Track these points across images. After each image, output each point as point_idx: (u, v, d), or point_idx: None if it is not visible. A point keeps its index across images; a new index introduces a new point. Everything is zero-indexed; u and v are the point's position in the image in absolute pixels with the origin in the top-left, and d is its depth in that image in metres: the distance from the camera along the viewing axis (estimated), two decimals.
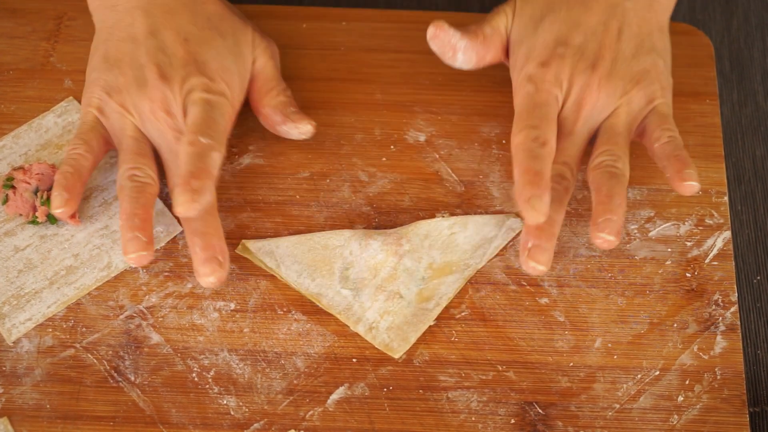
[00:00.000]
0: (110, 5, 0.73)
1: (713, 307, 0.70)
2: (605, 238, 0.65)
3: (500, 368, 0.68)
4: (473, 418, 0.66)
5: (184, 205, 0.64)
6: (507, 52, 0.74)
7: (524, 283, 0.70)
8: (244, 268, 0.71)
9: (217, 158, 0.67)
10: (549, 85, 0.68)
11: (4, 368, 0.67)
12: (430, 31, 0.71)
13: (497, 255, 0.71)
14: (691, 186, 0.66)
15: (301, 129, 0.73)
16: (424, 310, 0.69)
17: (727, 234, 0.72)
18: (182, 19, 0.71)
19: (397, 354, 0.67)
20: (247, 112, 0.77)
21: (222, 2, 0.75)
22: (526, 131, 0.67)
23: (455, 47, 0.72)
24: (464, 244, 0.71)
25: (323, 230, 0.72)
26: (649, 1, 0.71)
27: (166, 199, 0.73)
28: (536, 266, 0.66)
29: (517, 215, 0.72)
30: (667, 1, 0.73)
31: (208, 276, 0.67)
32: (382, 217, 0.73)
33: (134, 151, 0.70)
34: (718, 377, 0.67)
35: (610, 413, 0.66)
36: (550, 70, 0.69)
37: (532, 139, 0.66)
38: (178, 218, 0.72)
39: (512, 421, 0.66)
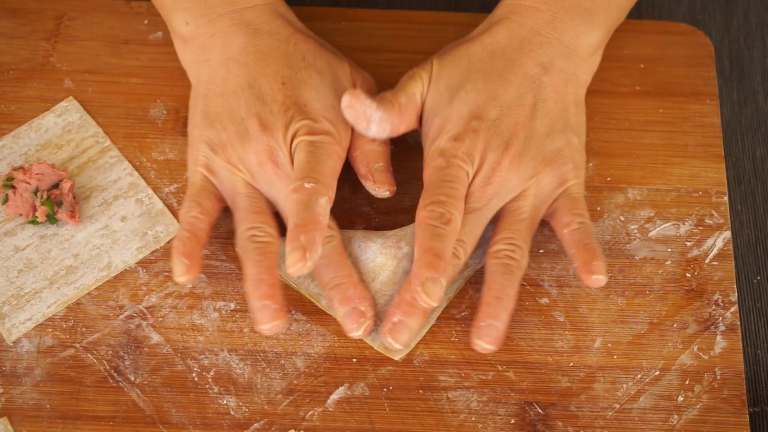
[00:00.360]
0: (203, 60, 0.71)
1: (713, 307, 0.70)
2: (482, 346, 0.65)
3: (500, 368, 0.68)
4: (473, 418, 0.66)
5: (295, 266, 0.62)
6: (420, 120, 0.71)
7: (524, 283, 0.70)
8: None
9: (325, 204, 0.64)
10: (460, 161, 0.66)
11: (4, 368, 0.67)
12: (345, 100, 0.68)
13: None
14: (597, 280, 0.65)
15: (377, 192, 0.71)
16: None
17: (727, 234, 0.72)
18: (276, 63, 0.69)
19: (398, 356, 0.67)
20: None
21: (314, 39, 0.73)
22: (431, 207, 0.65)
23: (370, 118, 0.68)
24: None
25: None
26: (565, 76, 0.70)
27: (166, 198, 0.73)
28: (393, 343, 0.66)
29: None
30: (585, 75, 0.72)
31: (355, 332, 0.66)
32: (382, 217, 0.73)
33: (250, 210, 0.67)
34: (718, 377, 0.67)
35: (610, 413, 0.66)
36: (462, 145, 0.66)
37: (437, 216, 0.64)
38: (177, 218, 0.72)
39: (512, 421, 0.66)
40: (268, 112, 0.67)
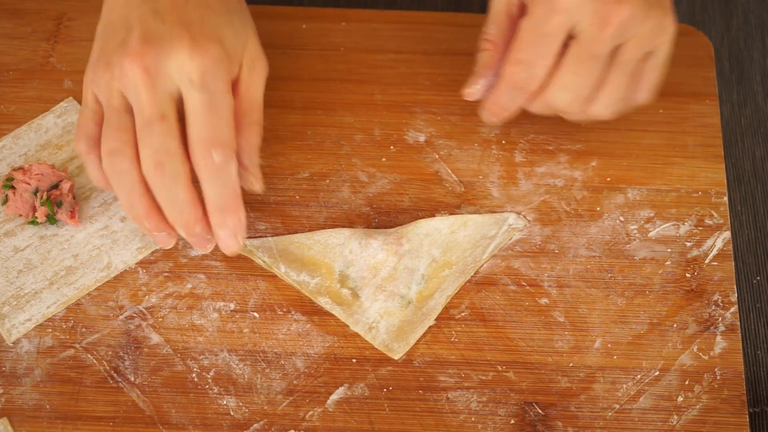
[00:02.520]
0: None
1: (713, 307, 0.70)
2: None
3: (500, 368, 0.68)
4: (473, 419, 0.66)
5: (230, 249, 0.63)
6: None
7: (524, 284, 0.70)
8: (243, 268, 0.71)
9: (234, 169, 0.63)
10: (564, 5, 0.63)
11: (3, 369, 0.67)
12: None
13: (497, 255, 0.71)
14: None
15: (251, 186, 0.68)
16: (423, 311, 0.69)
17: (727, 234, 0.72)
18: None
19: (397, 355, 0.67)
20: None
21: None
22: (515, 67, 0.65)
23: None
24: (464, 242, 0.71)
25: (322, 230, 0.72)
26: None
27: None
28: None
29: (518, 214, 0.72)
30: None
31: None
32: (382, 218, 0.73)
33: (115, 126, 0.64)
34: (718, 378, 0.67)
35: (609, 413, 0.66)
36: None
37: (521, 80, 0.66)
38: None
39: (512, 421, 0.66)
40: (159, 24, 0.64)
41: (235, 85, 0.66)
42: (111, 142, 0.64)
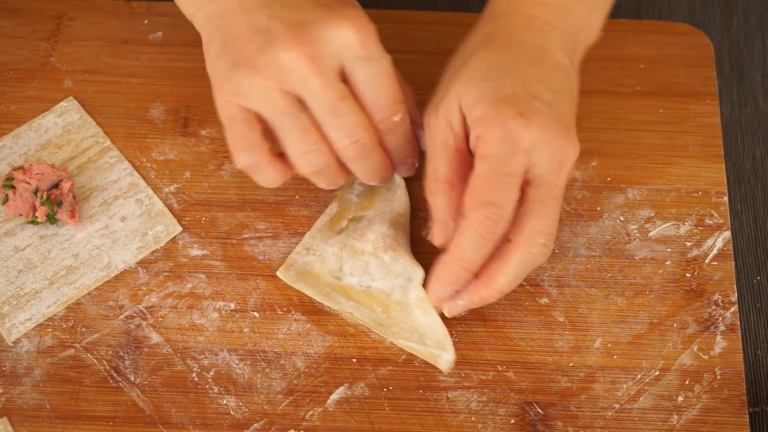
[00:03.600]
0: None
1: (713, 307, 0.70)
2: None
3: (500, 368, 0.68)
4: (473, 418, 0.66)
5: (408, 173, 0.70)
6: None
7: (524, 283, 0.70)
8: (243, 268, 0.71)
9: (407, 120, 0.66)
10: (525, 147, 0.61)
11: (3, 368, 0.67)
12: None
13: None
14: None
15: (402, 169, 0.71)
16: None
17: (727, 234, 0.72)
18: None
19: (445, 366, 0.66)
20: None
21: None
22: (487, 210, 0.60)
23: None
24: None
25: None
26: (577, 66, 0.67)
27: (165, 199, 0.73)
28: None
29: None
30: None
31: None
32: None
33: (296, 130, 0.63)
34: (718, 377, 0.67)
35: (609, 413, 0.66)
36: (530, 126, 0.61)
37: (491, 224, 0.60)
38: (177, 218, 0.72)
39: (512, 421, 0.66)
40: (297, 12, 0.61)
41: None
42: (302, 146, 0.63)
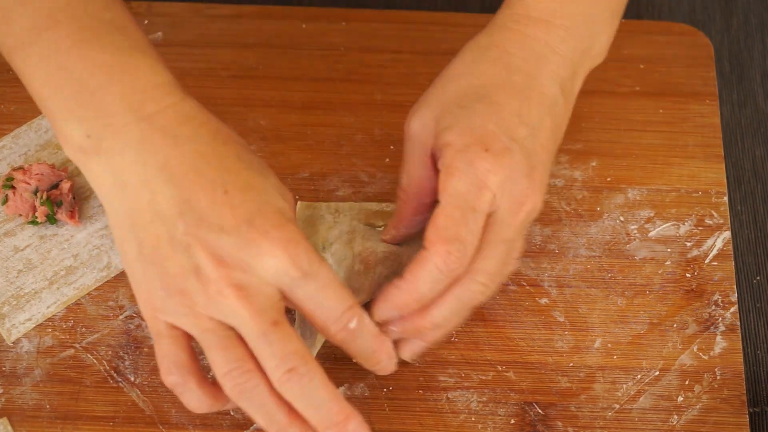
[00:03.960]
0: (118, 183, 0.57)
1: (713, 307, 0.70)
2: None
3: (500, 368, 0.68)
4: (473, 419, 0.66)
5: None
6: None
7: (524, 284, 0.70)
8: None
9: (368, 319, 0.60)
10: (492, 185, 0.59)
11: (3, 368, 0.67)
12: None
13: None
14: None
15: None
16: None
17: (727, 234, 0.72)
18: (211, 170, 0.57)
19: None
20: (245, 112, 0.77)
21: (236, 136, 0.61)
22: (450, 247, 0.58)
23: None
24: None
25: None
26: (572, 95, 0.65)
27: None
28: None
29: None
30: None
31: None
32: None
33: (220, 346, 0.57)
34: (718, 377, 0.67)
35: (609, 413, 0.66)
36: (496, 163, 0.59)
37: (454, 260, 0.58)
38: None
39: (512, 421, 0.66)
40: (220, 236, 0.55)
41: None
42: (226, 363, 0.56)
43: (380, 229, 0.69)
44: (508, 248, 0.61)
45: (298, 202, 0.72)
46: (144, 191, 0.56)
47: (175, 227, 0.56)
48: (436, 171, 0.61)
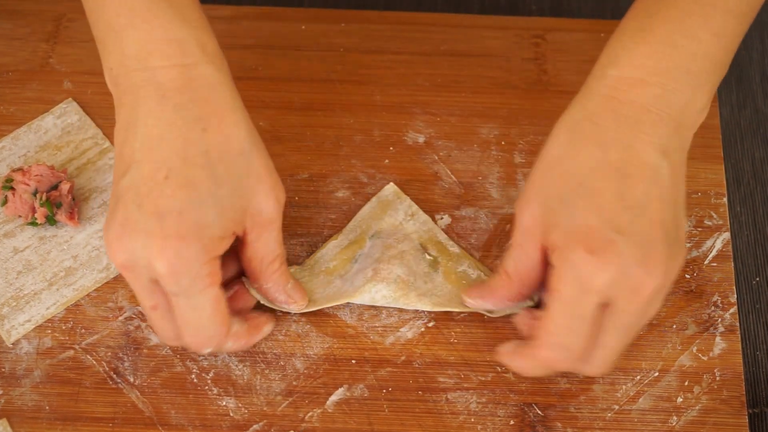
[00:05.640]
0: (119, 118, 0.62)
1: (712, 308, 0.70)
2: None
3: (499, 369, 0.68)
4: (472, 420, 0.66)
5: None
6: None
7: None
8: None
9: (229, 347, 0.65)
10: (598, 287, 0.58)
11: (3, 369, 0.67)
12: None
13: (497, 256, 0.71)
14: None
15: (295, 306, 0.67)
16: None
17: (726, 235, 0.72)
18: (167, 148, 0.59)
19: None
20: None
21: (238, 126, 0.62)
22: (557, 351, 0.60)
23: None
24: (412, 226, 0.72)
25: (322, 231, 0.72)
26: (681, 155, 0.61)
27: None
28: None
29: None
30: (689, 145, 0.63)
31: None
32: None
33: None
34: (717, 378, 0.67)
35: (609, 414, 0.66)
36: (600, 262, 0.57)
37: (557, 363, 0.61)
38: None
39: (511, 422, 0.66)
40: (136, 211, 0.59)
41: (242, 247, 0.64)
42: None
43: (429, 257, 0.70)
44: (627, 332, 0.60)
45: (390, 183, 0.73)
46: (119, 136, 0.61)
47: (119, 180, 0.60)
48: (545, 264, 0.61)
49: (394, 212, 0.72)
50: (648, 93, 0.60)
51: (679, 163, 0.61)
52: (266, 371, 0.67)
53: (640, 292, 0.58)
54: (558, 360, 0.60)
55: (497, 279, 0.64)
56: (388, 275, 0.68)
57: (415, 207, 0.72)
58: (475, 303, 0.67)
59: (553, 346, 0.60)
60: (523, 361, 0.63)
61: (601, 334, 0.60)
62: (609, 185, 0.59)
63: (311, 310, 0.68)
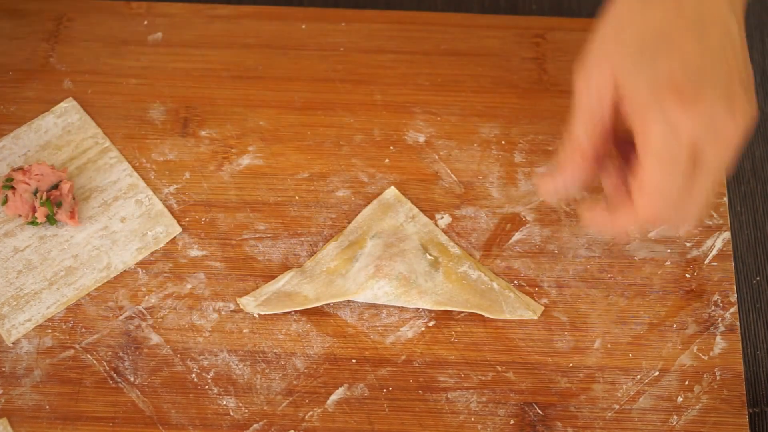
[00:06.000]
0: None
1: (713, 307, 0.70)
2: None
3: (500, 369, 0.68)
4: (473, 419, 0.66)
5: None
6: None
7: (524, 284, 0.70)
8: (243, 269, 0.71)
9: None
10: (688, 136, 0.58)
11: (3, 369, 0.67)
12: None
13: (497, 256, 0.71)
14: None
15: None
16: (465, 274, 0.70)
17: (727, 235, 0.72)
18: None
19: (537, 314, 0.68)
20: (245, 113, 0.77)
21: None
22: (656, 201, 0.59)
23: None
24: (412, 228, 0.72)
25: (322, 231, 0.72)
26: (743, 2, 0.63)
27: (165, 199, 0.73)
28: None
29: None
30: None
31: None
32: None
33: None
34: (718, 378, 0.67)
35: (609, 414, 0.66)
36: (692, 111, 0.58)
37: (664, 211, 0.59)
38: (177, 219, 0.72)
39: (512, 421, 0.66)
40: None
41: None
42: None
43: (430, 257, 0.70)
44: (714, 180, 0.60)
45: (391, 187, 0.73)
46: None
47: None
48: (613, 124, 0.61)
49: (395, 214, 0.72)
50: None
51: (743, 18, 0.63)
52: (266, 371, 0.67)
53: (727, 139, 0.58)
54: (657, 211, 0.59)
55: (569, 153, 0.62)
56: (390, 271, 0.68)
57: (415, 210, 0.73)
58: (546, 187, 0.63)
59: (652, 197, 0.59)
60: (617, 218, 0.61)
61: (693, 184, 0.60)
62: (689, 36, 0.60)
63: (314, 306, 0.68)
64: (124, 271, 0.71)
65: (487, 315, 0.68)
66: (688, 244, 0.72)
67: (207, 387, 0.67)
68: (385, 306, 0.69)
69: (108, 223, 0.72)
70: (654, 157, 0.59)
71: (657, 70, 0.59)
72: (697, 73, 0.59)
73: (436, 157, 0.75)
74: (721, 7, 0.62)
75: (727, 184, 0.75)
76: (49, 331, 0.69)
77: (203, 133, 0.76)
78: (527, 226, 0.72)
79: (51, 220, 0.71)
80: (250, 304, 0.69)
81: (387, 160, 0.75)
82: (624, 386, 0.67)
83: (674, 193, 0.59)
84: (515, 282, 0.70)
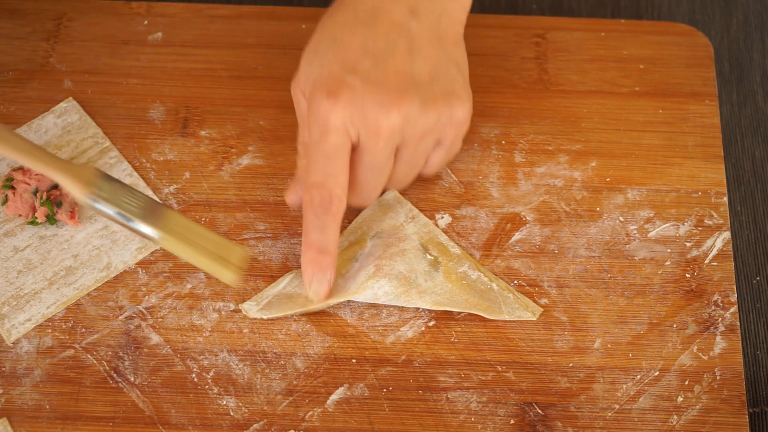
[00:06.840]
0: None
1: (713, 307, 0.70)
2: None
3: (500, 369, 0.68)
4: (473, 419, 0.66)
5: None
6: None
7: (524, 284, 0.70)
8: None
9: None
10: (335, 125, 0.64)
11: (3, 369, 0.67)
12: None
13: (497, 255, 0.71)
14: None
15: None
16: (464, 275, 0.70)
17: (727, 234, 0.72)
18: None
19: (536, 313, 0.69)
20: (245, 113, 0.77)
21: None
22: (310, 192, 0.65)
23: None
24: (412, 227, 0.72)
25: None
26: (435, 16, 0.67)
27: (165, 199, 0.73)
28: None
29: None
30: (457, 12, 0.69)
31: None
32: None
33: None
34: (718, 378, 0.67)
35: (609, 414, 0.66)
36: (338, 103, 0.63)
37: (317, 203, 0.65)
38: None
39: (512, 421, 0.66)
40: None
41: None
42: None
43: (430, 257, 0.70)
44: (380, 171, 0.66)
45: (390, 190, 0.73)
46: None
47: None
48: None
49: (395, 215, 0.72)
50: None
51: (436, 23, 0.67)
52: (266, 370, 0.67)
53: (379, 130, 0.63)
54: (316, 200, 0.64)
55: (300, 160, 0.70)
56: (390, 271, 0.68)
57: (415, 211, 0.72)
58: (294, 196, 0.70)
59: (309, 187, 0.65)
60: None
61: (354, 175, 0.66)
62: (355, 38, 0.65)
63: (315, 309, 0.68)
64: (124, 270, 0.71)
65: (485, 316, 0.68)
66: (688, 244, 0.72)
67: (207, 387, 0.67)
68: (385, 306, 0.69)
69: (108, 223, 0.72)
70: (308, 148, 0.66)
71: (323, 67, 0.65)
72: (353, 68, 0.64)
73: None
74: (396, 12, 0.66)
75: (727, 184, 0.75)
76: (49, 330, 0.69)
77: (203, 133, 0.76)
78: (527, 226, 0.73)
79: (51, 219, 0.71)
80: (252, 309, 0.69)
81: None
82: (624, 386, 0.67)
83: (326, 184, 0.65)
84: (515, 282, 0.70)
